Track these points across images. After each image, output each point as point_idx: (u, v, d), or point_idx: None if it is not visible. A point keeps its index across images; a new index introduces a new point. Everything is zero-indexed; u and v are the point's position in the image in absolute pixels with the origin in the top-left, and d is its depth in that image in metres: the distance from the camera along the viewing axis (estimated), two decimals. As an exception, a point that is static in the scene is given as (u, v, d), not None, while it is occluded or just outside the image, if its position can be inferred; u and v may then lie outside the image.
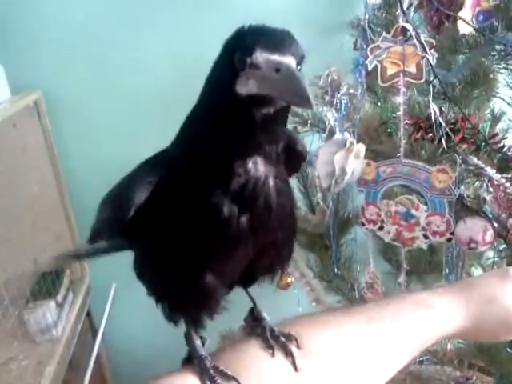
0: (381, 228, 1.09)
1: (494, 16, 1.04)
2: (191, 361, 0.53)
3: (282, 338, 0.54)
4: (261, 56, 0.44)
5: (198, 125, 0.50)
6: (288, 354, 0.52)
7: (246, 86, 0.45)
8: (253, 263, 0.55)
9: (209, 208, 0.49)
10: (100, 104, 1.59)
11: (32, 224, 1.52)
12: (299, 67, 0.45)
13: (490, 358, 1.06)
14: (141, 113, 1.59)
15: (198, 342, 0.54)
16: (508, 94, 1.17)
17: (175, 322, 0.56)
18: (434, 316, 0.60)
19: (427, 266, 1.27)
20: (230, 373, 0.50)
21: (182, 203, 0.50)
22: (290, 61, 0.43)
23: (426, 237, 1.04)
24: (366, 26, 1.12)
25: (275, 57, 0.43)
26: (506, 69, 1.12)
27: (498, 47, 1.06)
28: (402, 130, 1.03)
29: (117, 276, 1.66)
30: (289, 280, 1.28)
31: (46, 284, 1.49)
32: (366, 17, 1.13)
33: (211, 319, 0.55)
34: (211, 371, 0.50)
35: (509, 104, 1.17)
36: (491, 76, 1.16)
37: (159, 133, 1.55)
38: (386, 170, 1.05)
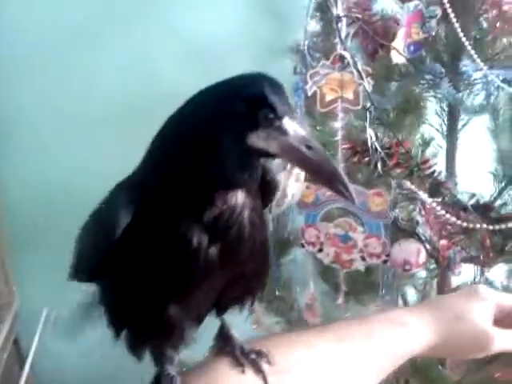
0: (320, 250, 1.11)
1: (423, 48, 1.10)
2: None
3: (253, 355, 0.54)
4: (291, 124, 0.46)
5: (177, 152, 0.47)
6: (259, 370, 0.52)
7: (264, 143, 0.46)
8: (221, 294, 0.54)
9: (177, 236, 0.47)
10: (40, 122, 1.54)
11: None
12: None
13: (424, 376, 1.10)
14: (85, 132, 1.54)
15: (167, 363, 0.53)
16: (437, 121, 1.23)
17: (138, 356, 0.53)
18: (405, 334, 0.61)
19: (364, 287, 1.30)
20: None
21: (149, 230, 0.48)
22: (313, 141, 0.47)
23: (363, 258, 1.06)
24: (306, 52, 1.15)
25: (304, 132, 0.47)
26: (435, 97, 1.19)
27: (427, 77, 1.12)
28: (339, 153, 1.06)
29: (48, 300, 1.59)
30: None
31: (-31, 311, 1.39)
32: (306, 43, 1.16)
33: (176, 353, 0.54)
34: None
35: (437, 130, 1.23)
36: (421, 103, 1.22)
37: (105, 152, 1.54)
38: (325, 192, 1.08)
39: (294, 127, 0.46)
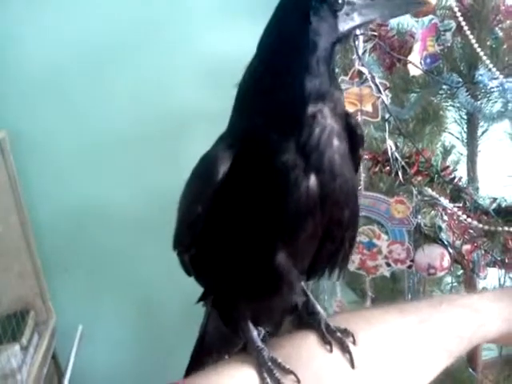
0: (346, 258, 1.13)
1: (439, 59, 1.13)
2: (245, 349, 0.52)
3: (339, 334, 0.53)
4: None
5: (269, 76, 0.50)
6: (345, 350, 0.51)
7: (349, 22, 0.51)
8: (318, 249, 0.53)
9: (277, 168, 0.48)
10: (65, 143, 1.60)
11: (-5, 265, 1.49)
12: None
13: (455, 378, 1.10)
14: (104, 152, 1.60)
15: (255, 333, 0.53)
16: (456, 129, 1.26)
17: (231, 322, 0.54)
18: (479, 320, 0.61)
19: (390, 293, 1.32)
20: (288, 367, 0.49)
21: (250, 170, 0.49)
22: None
23: (388, 264, 1.09)
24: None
25: None
26: (453, 106, 1.21)
27: (444, 87, 1.15)
28: (361, 164, 1.09)
29: (83, 317, 1.65)
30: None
31: (11, 326, 1.45)
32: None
33: (286, 309, 0.54)
34: (269, 363, 0.49)
35: (457, 138, 1.26)
36: (440, 113, 1.25)
37: (123, 172, 1.59)
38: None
39: None
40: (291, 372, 0.49)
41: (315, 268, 0.56)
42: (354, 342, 0.52)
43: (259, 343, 0.52)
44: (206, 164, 0.50)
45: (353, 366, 0.51)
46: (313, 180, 0.49)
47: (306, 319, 0.56)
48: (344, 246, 0.55)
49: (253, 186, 0.49)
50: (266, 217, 0.49)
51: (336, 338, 0.52)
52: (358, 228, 0.63)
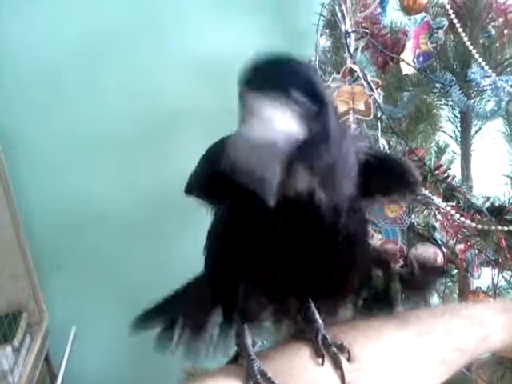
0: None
1: (432, 57, 1.13)
2: (237, 360, 0.52)
3: (334, 349, 0.52)
4: None
5: None
6: (338, 366, 0.51)
7: None
8: (304, 287, 0.53)
9: (254, 210, 0.46)
10: (56, 142, 1.58)
11: (-14, 265, 1.48)
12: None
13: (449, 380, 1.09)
14: (97, 150, 1.59)
15: (249, 341, 0.53)
16: (450, 128, 1.26)
17: (230, 319, 0.54)
18: (483, 333, 0.60)
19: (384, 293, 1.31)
20: (277, 382, 0.48)
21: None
22: None
23: (381, 264, 1.08)
24: (317, 67, 1.19)
25: None
26: (447, 105, 1.21)
27: (437, 85, 1.15)
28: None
29: (76, 319, 1.64)
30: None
31: (2, 328, 1.44)
32: (317, 58, 1.20)
33: (262, 315, 0.54)
34: (258, 376, 0.48)
35: (451, 137, 1.25)
36: (434, 111, 1.25)
37: (116, 171, 1.58)
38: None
39: None
40: None
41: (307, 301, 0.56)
42: (348, 359, 0.52)
43: (251, 352, 0.51)
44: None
45: (343, 382, 0.50)
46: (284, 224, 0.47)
47: (304, 327, 0.56)
48: (335, 295, 0.55)
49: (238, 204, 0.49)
50: (239, 239, 0.49)
51: (331, 352, 0.52)
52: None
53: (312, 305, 0.58)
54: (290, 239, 0.48)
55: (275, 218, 0.46)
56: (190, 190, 0.56)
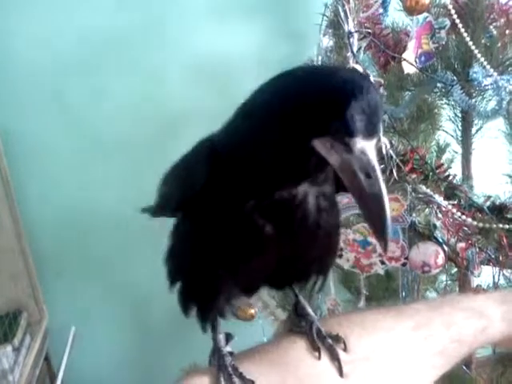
0: (340, 256, 1.13)
1: (434, 57, 1.13)
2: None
3: (329, 340, 0.51)
4: (359, 145, 0.41)
5: (250, 142, 0.46)
6: (335, 358, 0.50)
7: (326, 152, 0.42)
8: (278, 272, 0.53)
9: (237, 210, 0.48)
10: (58, 144, 1.59)
11: (-13, 265, 1.48)
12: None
13: (449, 376, 1.10)
14: (99, 154, 1.59)
15: (220, 336, 0.52)
16: (451, 127, 1.26)
17: (186, 311, 0.54)
18: (483, 325, 0.60)
19: (385, 292, 1.32)
20: (249, 377, 0.47)
21: (218, 196, 0.48)
22: (377, 168, 0.42)
23: (382, 262, 1.08)
24: (319, 67, 1.19)
25: (370, 158, 0.41)
26: (448, 104, 1.22)
27: (439, 85, 1.15)
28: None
29: (76, 318, 1.64)
30: (252, 311, 1.29)
31: (2, 327, 1.44)
32: (320, 58, 1.20)
33: (221, 317, 0.54)
34: (229, 369, 0.48)
35: (452, 136, 1.26)
36: (435, 111, 1.25)
37: (119, 175, 1.58)
38: (343, 200, 1.10)
39: (364, 149, 0.41)
40: (252, 382, 0.47)
41: (282, 284, 0.57)
42: (344, 349, 0.51)
43: (222, 345, 0.52)
44: (190, 171, 0.51)
45: (341, 374, 0.50)
46: (270, 228, 0.48)
47: (296, 322, 0.55)
48: (310, 274, 0.56)
49: (213, 211, 0.49)
50: (217, 239, 0.49)
51: (326, 344, 0.51)
52: (337, 250, 0.62)
53: (301, 298, 0.58)
54: (273, 239, 0.49)
55: (261, 218, 0.48)
56: (161, 211, 0.57)
